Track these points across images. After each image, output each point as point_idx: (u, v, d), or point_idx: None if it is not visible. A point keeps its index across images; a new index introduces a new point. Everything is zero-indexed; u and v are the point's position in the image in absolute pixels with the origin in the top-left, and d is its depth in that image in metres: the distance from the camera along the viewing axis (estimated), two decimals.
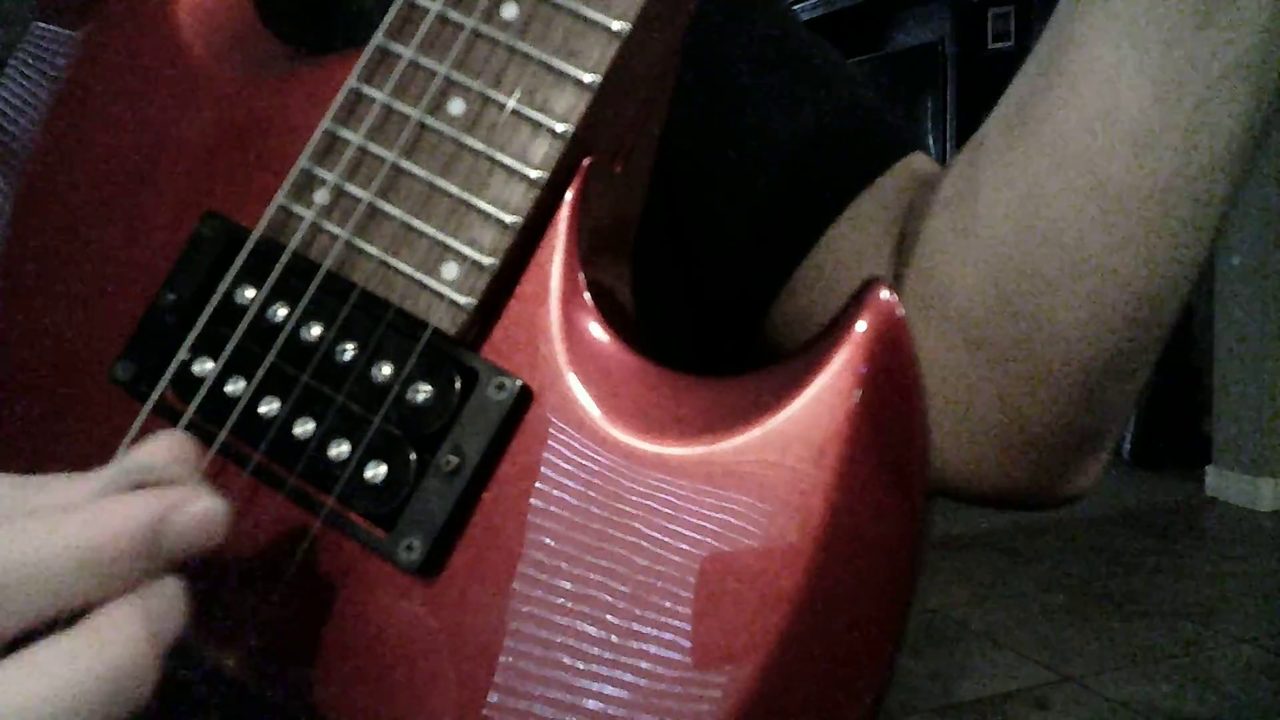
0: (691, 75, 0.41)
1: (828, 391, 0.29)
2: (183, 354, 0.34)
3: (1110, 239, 0.38)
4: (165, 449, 0.29)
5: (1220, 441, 3.69)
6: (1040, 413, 0.41)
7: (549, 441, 0.31)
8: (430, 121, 0.33)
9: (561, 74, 0.32)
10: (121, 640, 0.25)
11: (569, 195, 0.33)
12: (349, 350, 0.33)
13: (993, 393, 0.41)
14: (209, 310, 0.34)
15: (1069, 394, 0.41)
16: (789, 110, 0.48)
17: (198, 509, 0.27)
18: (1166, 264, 0.38)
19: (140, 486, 0.27)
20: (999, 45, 4.95)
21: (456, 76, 0.33)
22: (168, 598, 0.26)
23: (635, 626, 0.29)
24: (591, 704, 0.29)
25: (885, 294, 0.29)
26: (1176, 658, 2.50)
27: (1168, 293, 0.39)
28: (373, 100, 0.34)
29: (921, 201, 0.44)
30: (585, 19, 0.32)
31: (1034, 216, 0.39)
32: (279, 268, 0.34)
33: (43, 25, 0.41)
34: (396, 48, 0.34)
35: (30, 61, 0.40)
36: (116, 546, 0.25)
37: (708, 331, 0.50)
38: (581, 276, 0.32)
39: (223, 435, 0.33)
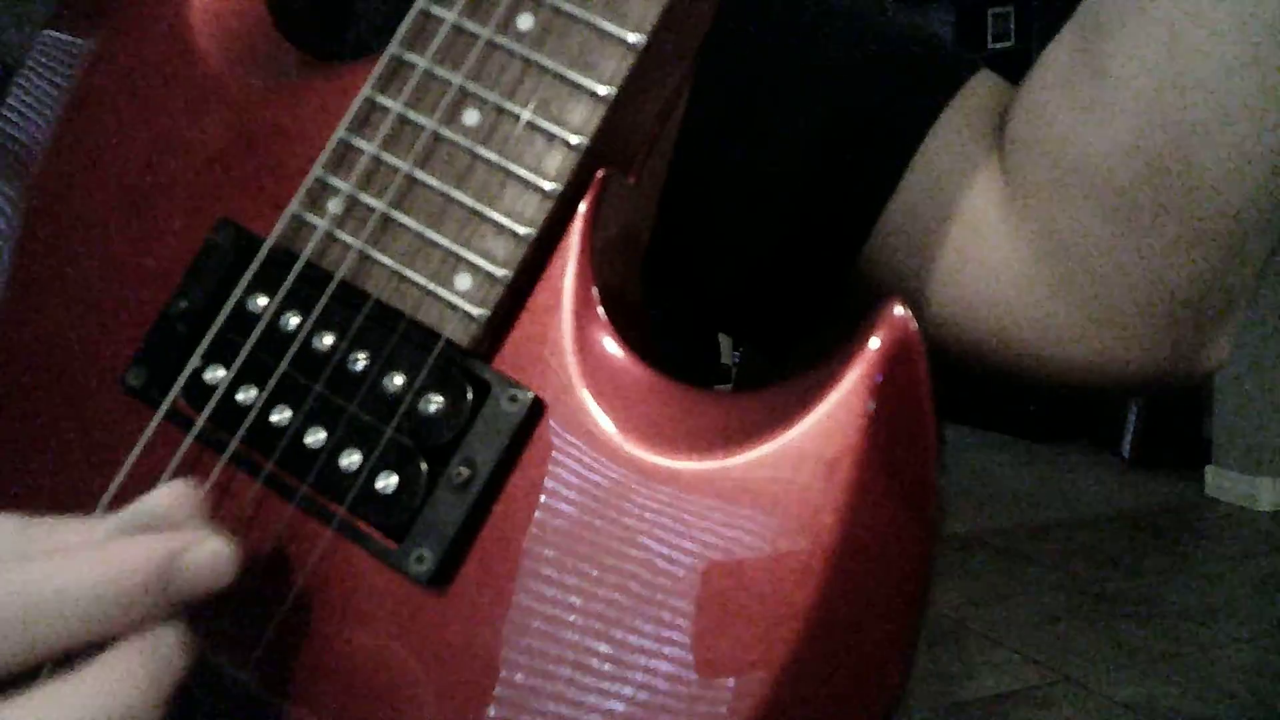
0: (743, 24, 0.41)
1: (841, 407, 0.29)
2: (195, 361, 0.34)
3: (1257, 79, 0.38)
4: (171, 495, 0.30)
5: (1220, 441, 3.69)
6: (1188, 275, 0.41)
7: (561, 454, 0.31)
8: (445, 132, 0.33)
9: (577, 86, 0.32)
10: (128, 683, 0.26)
11: (583, 207, 0.33)
12: (361, 360, 0.33)
13: (1140, 262, 0.41)
14: (221, 318, 0.34)
15: (1216, 251, 0.41)
16: (849, 40, 0.48)
17: (206, 551, 0.28)
18: None
19: (147, 530, 0.28)
20: (999, 45, 4.94)
21: (471, 87, 0.33)
22: (172, 643, 0.27)
23: (646, 641, 0.29)
24: (600, 718, 0.29)
25: (899, 310, 0.29)
26: (1176, 658, 2.50)
27: None
28: (387, 110, 0.34)
29: (1022, 99, 0.44)
30: (601, 31, 0.32)
31: (1177, 67, 0.39)
32: (292, 276, 0.34)
33: (52, 33, 0.41)
34: (412, 58, 0.34)
35: (40, 70, 0.40)
36: (130, 583, 0.26)
37: (776, 302, 0.49)
38: (595, 289, 0.32)
39: (234, 444, 0.33)
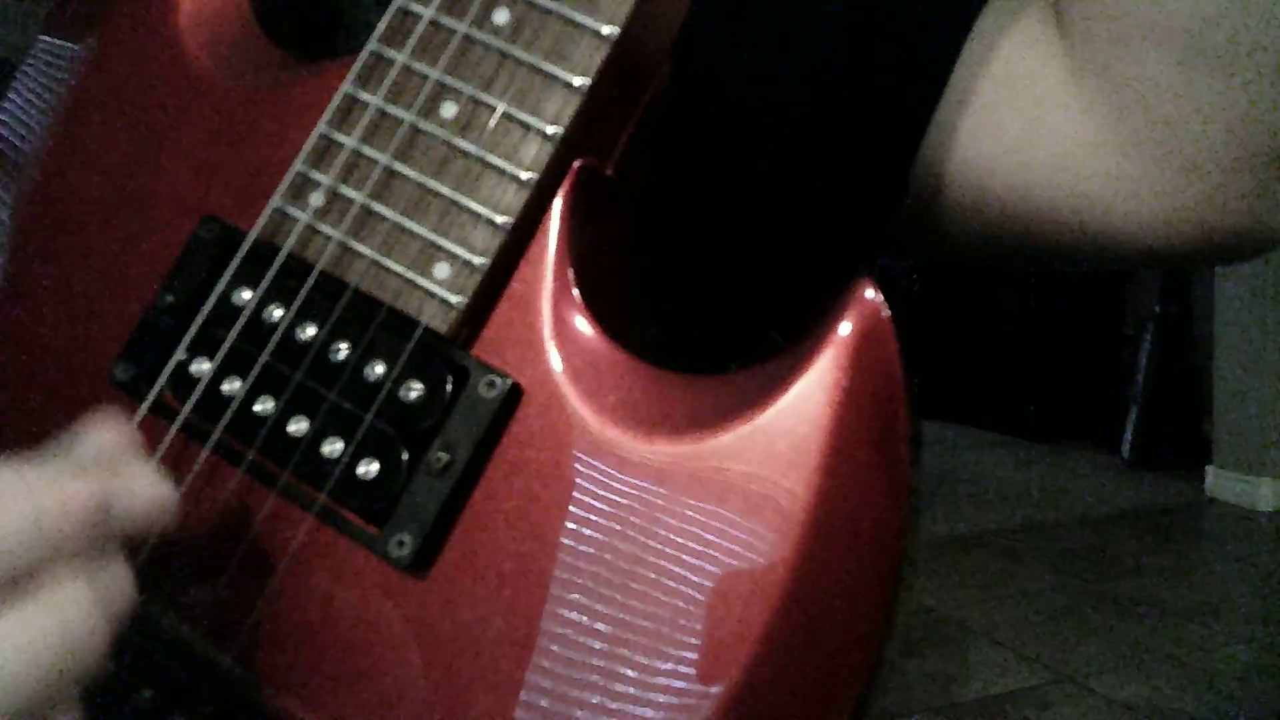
0: None
1: (813, 389, 0.29)
2: (180, 354, 0.34)
3: None
4: (107, 434, 0.30)
5: (1220, 442, 3.69)
6: (1270, 119, 0.40)
7: (539, 439, 0.32)
8: (423, 125, 0.34)
9: (552, 77, 0.33)
10: (70, 603, 0.26)
11: (560, 196, 0.33)
12: (342, 349, 0.33)
13: (1217, 105, 0.40)
14: (206, 311, 0.35)
15: None
16: None
17: (145, 490, 0.28)
18: None
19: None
20: None
21: (449, 81, 0.34)
22: (114, 573, 0.27)
23: (624, 618, 0.30)
24: (579, 698, 0.29)
25: (870, 293, 0.30)
26: (1176, 658, 2.50)
27: None
28: (367, 104, 0.35)
29: None
30: (575, 23, 0.33)
31: None
32: (274, 269, 0.34)
33: (47, 38, 0.41)
34: (390, 53, 0.35)
35: (35, 74, 0.41)
36: (66, 515, 0.26)
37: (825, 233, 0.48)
38: (572, 275, 0.33)
39: (217, 433, 0.34)
